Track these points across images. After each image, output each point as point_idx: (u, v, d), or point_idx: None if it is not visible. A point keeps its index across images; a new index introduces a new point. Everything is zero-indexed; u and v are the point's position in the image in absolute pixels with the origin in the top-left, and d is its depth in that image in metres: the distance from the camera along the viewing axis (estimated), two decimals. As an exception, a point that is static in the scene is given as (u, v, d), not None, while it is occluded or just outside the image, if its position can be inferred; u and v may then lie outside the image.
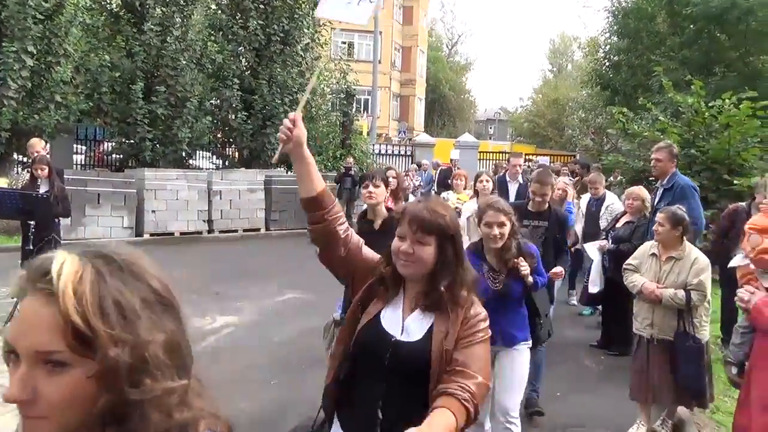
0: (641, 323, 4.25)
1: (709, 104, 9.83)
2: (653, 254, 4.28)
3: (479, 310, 1.87)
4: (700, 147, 9.60)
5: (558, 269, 4.28)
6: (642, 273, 4.29)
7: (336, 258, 1.99)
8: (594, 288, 5.97)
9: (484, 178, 6.01)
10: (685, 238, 4.19)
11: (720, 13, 15.87)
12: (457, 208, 5.55)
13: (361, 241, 2.05)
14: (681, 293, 4.03)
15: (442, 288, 1.85)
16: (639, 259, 4.38)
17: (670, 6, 17.53)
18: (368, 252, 2.04)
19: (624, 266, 4.47)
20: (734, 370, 3.20)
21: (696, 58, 17.14)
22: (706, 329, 4.18)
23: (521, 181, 7.35)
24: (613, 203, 7.41)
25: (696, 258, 4.12)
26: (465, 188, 7.43)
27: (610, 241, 6.03)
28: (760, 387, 2.92)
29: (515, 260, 3.22)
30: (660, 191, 5.76)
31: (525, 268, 3.24)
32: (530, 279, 3.32)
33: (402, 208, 2.00)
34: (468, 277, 1.89)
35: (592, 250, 6.11)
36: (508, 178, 7.49)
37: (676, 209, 4.23)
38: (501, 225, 3.17)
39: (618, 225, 6.19)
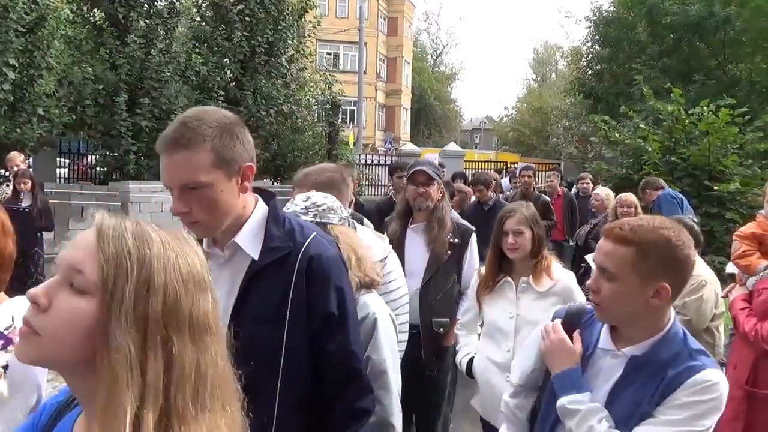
0: None
1: (689, 112, 10.00)
2: None
3: None
4: (681, 154, 9.75)
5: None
6: None
7: None
8: None
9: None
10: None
11: (698, 21, 16.19)
12: None
13: None
14: None
15: None
16: None
17: (650, 15, 17.83)
18: None
19: None
20: (725, 370, 3.25)
21: (676, 66, 17.43)
22: None
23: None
24: None
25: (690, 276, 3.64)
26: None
27: None
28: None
29: None
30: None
31: None
32: None
33: None
34: None
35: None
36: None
37: (683, 217, 3.85)
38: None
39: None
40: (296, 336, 1.54)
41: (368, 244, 2.50)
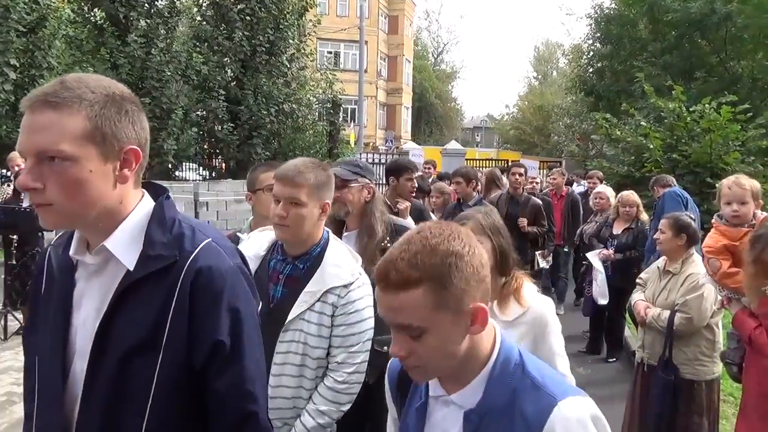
0: (636, 343, 3.93)
1: (691, 109, 9.98)
2: (658, 268, 3.84)
3: None
4: (683, 151, 9.74)
5: None
6: (646, 290, 3.86)
7: None
8: (603, 300, 5.65)
9: None
10: (693, 250, 3.70)
11: (699, 18, 16.15)
12: None
13: None
14: (664, 314, 3.55)
15: None
16: (648, 274, 3.96)
17: (651, 12, 17.80)
18: None
19: (636, 281, 4.12)
20: (735, 369, 3.24)
21: (677, 63, 17.40)
22: (708, 365, 3.56)
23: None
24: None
25: (690, 274, 3.59)
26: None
27: (613, 250, 5.84)
28: (746, 394, 2.97)
29: None
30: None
31: None
32: None
33: None
34: None
35: (596, 260, 5.76)
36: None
37: (680, 215, 3.84)
38: None
39: (615, 232, 5.98)
40: (172, 370, 1.23)
41: (336, 264, 2.15)
